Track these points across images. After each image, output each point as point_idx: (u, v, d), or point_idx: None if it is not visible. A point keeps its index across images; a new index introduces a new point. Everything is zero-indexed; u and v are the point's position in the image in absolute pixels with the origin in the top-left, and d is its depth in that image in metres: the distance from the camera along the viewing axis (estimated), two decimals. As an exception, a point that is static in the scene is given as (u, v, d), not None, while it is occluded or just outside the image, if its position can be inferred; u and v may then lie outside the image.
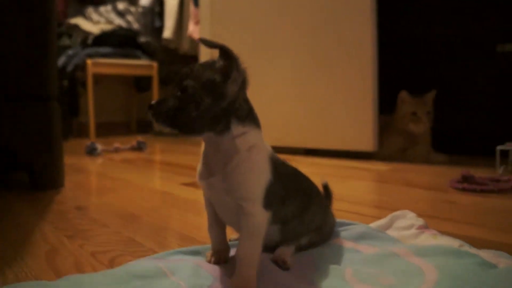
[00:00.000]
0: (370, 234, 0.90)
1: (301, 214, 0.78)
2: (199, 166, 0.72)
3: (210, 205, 0.77)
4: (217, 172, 0.67)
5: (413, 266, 0.73)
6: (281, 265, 0.74)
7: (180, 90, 0.65)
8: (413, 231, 0.94)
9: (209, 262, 0.77)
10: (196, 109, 0.64)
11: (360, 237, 0.89)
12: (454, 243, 0.85)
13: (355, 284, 0.68)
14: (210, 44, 0.67)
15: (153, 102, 0.65)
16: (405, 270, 0.73)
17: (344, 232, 0.92)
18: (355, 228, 0.94)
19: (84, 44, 3.65)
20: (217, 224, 0.78)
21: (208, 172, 0.69)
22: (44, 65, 1.54)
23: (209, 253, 0.79)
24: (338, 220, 0.99)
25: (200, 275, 0.71)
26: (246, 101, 0.69)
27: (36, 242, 0.99)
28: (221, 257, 0.78)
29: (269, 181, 0.68)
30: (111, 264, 0.84)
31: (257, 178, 0.67)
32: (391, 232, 0.95)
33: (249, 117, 0.69)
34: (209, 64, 0.67)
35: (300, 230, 0.81)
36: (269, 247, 0.76)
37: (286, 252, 0.77)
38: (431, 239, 0.89)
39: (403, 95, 2.22)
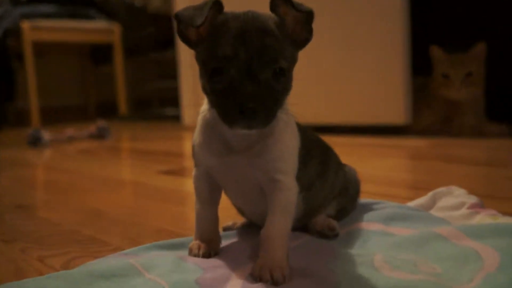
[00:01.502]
0: (404, 214, 0.90)
1: (322, 176, 0.87)
2: (202, 146, 0.77)
3: (207, 185, 0.81)
4: (244, 149, 0.74)
5: (466, 250, 0.73)
6: (328, 233, 0.85)
7: (274, 73, 0.67)
8: (464, 211, 0.93)
9: (196, 255, 0.77)
10: (287, 94, 0.72)
11: (391, 218, 0.88)
12: (518, 222, 0.84)
13: (388, 272, 0.67)
14: (300, 8, 0.68)
15: (249, 104, 0.63)
16: (454, 255, 0.72)
17: (369, 214, 0.92)
18: (385, 207, 0.94)
19: (15, 1, 3.60)
20: (211, 208, 0.82)
21: (227, 150, 0.75)
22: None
23: (194, 244, 0.80)
24: (362, 200, 0.99)
25: (184, 269, 0.71)
26: None
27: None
28: (211, 248, 0.79)
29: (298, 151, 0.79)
30: (65, 268, 0.83)
31: (292, 152, 0.77)
32: (434, 213, 0.95)
33: None
34: (276, 27, 0.69)
35: (324, 195, 0.89)
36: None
37: (325, 219, 0.87)
38: (489, 221, 0.88)
39: (434, 51, 2.22)
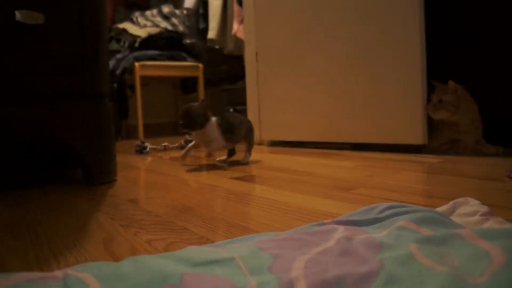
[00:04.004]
0: (433, 218, 0.85)
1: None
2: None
3: None
4: None
5: (479, 249, 0.69)
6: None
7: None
8: (477, 217, 0.88)
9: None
10: None
11: (423, 221, 0.84)
12: (522, 228, 0.80)
13: (420, 257, 0.65)
14: None
15: None
16: (469, 253, 0.68)
17: (406, 215, 0.88)
18: (419, 211, 0.90)
19: (132, 47, 3.74)
20: None
21: None
22: (97, 64, 1.57)
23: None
24: (400, 203, 0.95)
25: (260, 257, 0.69)
26: None
27: (93, 230, 1.01)
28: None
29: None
30: (166, 250, 0.84)
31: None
32: (453, 219, 0.90)
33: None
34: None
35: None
36: None
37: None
38: (497, 226, 0.84)
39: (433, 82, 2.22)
